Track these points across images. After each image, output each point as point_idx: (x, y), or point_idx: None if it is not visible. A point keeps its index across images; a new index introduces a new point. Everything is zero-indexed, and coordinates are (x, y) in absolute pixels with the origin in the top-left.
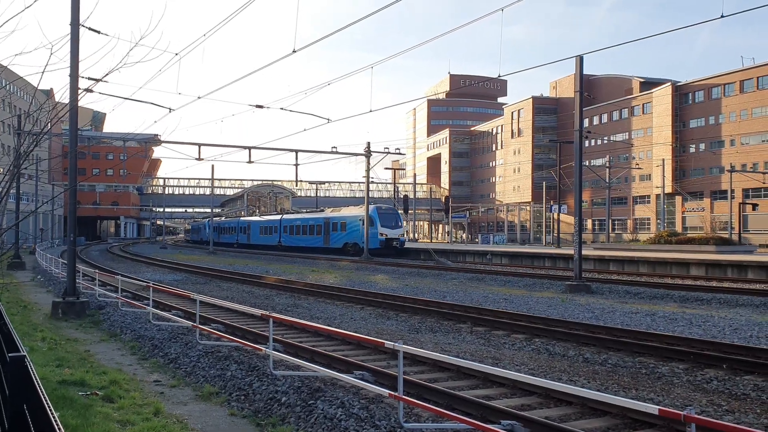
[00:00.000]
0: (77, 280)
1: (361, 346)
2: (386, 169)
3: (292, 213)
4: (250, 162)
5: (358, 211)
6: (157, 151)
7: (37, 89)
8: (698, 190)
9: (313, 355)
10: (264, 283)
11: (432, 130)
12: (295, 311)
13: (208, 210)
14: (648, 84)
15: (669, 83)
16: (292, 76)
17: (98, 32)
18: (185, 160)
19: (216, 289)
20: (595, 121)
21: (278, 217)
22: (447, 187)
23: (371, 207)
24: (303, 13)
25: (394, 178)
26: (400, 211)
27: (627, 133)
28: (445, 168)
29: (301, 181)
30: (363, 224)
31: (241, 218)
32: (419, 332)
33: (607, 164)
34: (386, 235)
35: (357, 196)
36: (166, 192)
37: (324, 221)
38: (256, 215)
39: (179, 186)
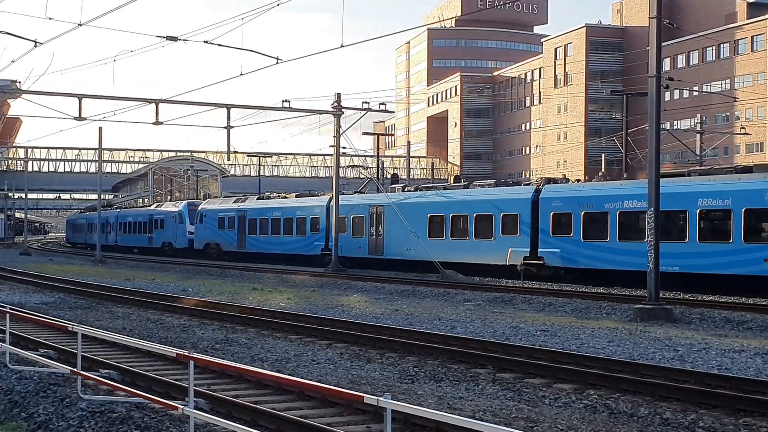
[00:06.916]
0: None
1: (329, 403)
2: (365, 134)
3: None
4: (157, 123)
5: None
6: (15, 107)
7: None
8: None
9: (256, 417)
10: (180, 308)
11: (435, 75)
12: (227, 350)
13: (94, 197)
14: (760, 7)
15: None
16: None
17: None
18: (59, 120)
19: (107, 316)
20: (681, 62)
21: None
22: (457, 161)
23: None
24: None
25: (378, 147)
26: None
27: (728, 81)
28: (454, 133)
29: (235, 152)
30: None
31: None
32: (416, 381)
33: (699, 127)
34: None
35: (321, 175)
36: (30, 169)
37: None
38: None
39: (50, 160)
